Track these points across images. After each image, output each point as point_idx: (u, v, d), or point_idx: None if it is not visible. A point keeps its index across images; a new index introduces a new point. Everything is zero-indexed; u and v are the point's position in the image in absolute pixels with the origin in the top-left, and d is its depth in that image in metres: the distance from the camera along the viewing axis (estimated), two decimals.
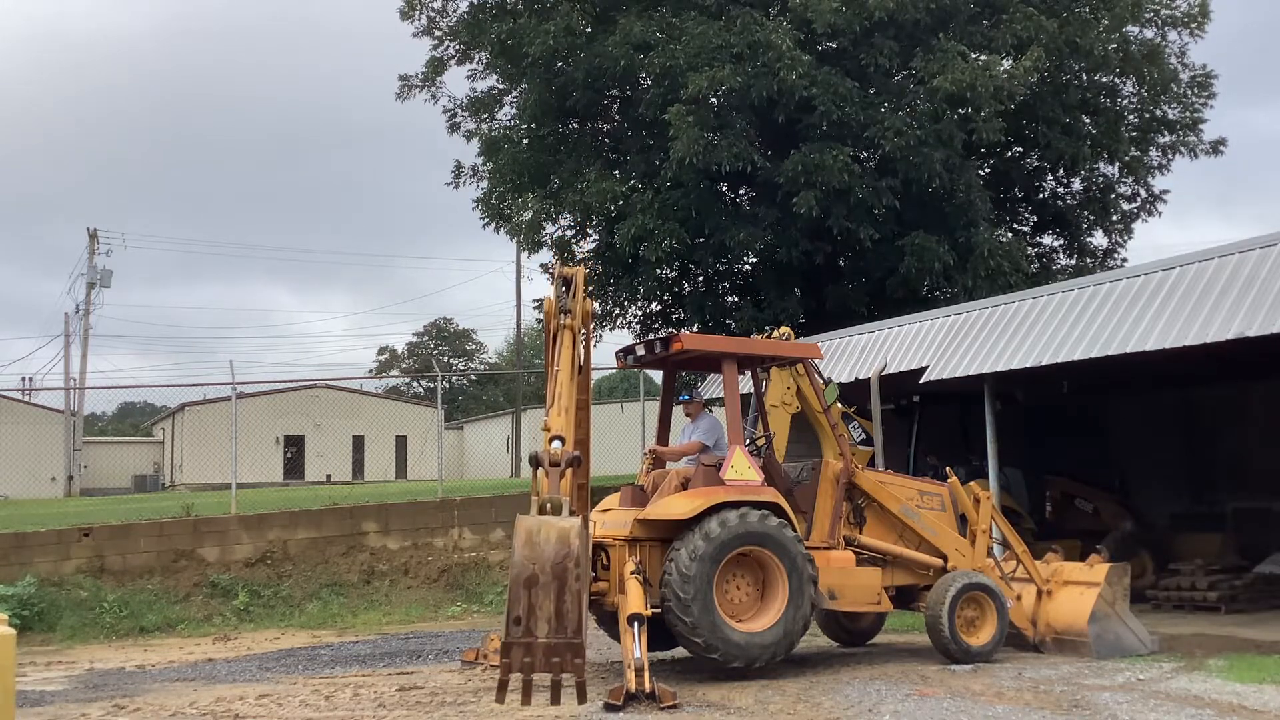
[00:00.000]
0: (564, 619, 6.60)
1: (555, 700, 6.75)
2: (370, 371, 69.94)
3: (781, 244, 21.12)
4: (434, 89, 24.96)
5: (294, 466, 46.39)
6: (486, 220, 25.05)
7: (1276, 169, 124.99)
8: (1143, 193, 25.28)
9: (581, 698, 6.76)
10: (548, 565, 6.73)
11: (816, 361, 11.98)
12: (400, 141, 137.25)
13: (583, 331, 9.29)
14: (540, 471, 7.71)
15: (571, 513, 7.37)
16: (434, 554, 17.53)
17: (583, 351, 9.30)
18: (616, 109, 24.45)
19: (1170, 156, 25.17)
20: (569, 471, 7.76)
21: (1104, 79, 23.79)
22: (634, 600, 9.29)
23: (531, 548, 6.80)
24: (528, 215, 24.43)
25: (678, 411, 11.61)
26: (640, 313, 24.75)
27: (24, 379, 51.63)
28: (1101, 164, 24.53)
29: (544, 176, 23.57)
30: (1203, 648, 11.55)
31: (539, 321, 26.60)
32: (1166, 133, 24.85)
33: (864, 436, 16.03)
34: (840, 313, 21.35)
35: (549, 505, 7.30)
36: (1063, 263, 25.55)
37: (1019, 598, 11.62)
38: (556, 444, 7.95)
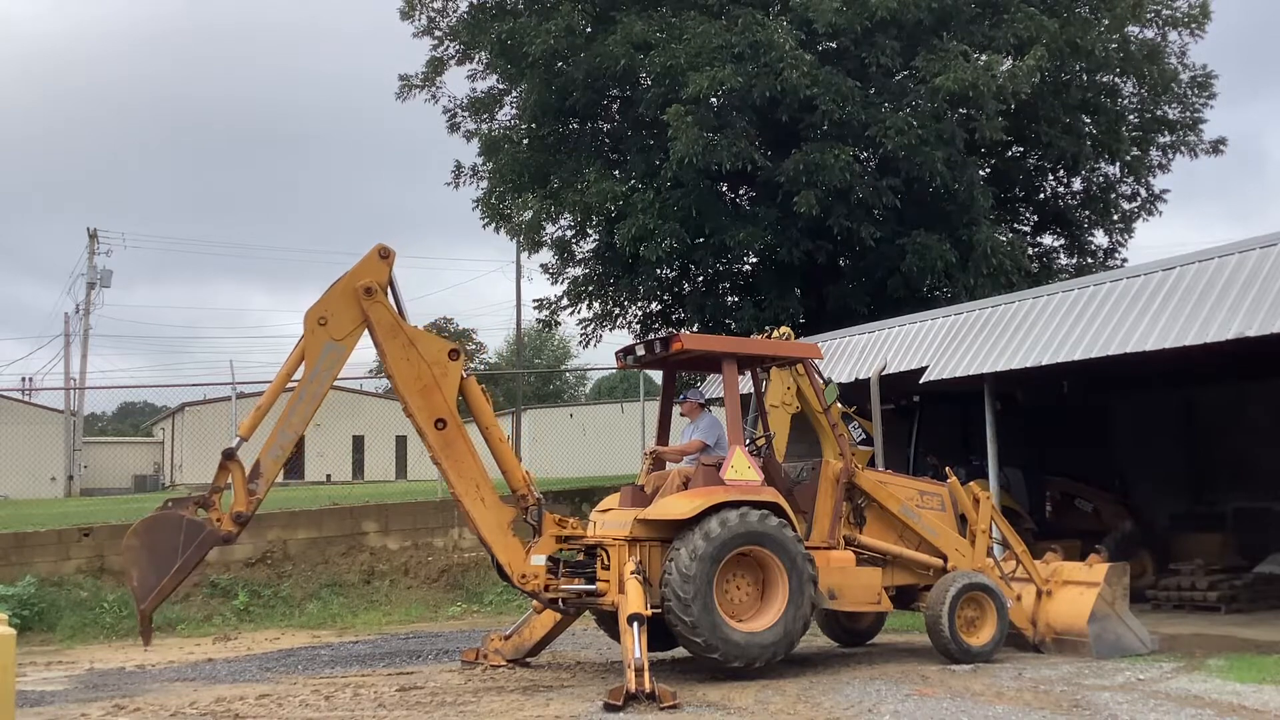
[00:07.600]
0: (135, 593, 8.93)
1: (145, 641, 9.19)
2: (370, 371, 69.72)
3: (782, 244, 21.11)
4: (434, 89, 25.00)
5: (294, 466, 46.29)
6: (486, 220, 25.06)
7: (1243, 168, 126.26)
8: (1143, 192, 25.35)
9: (146, 641, 9.16)
10: (124, 556, 9.07)
11: (816, 361, 11.97)
12: (399, 142, 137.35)
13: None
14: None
15: (200, 504, 9.18)
16: (434, 554, 17.53)
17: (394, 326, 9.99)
18: (616, 109, 24.44)
19: (1171, 156, 25.32)
20: (230, 463, 9.30)
21: (1105, 79, 23.84)
22: (634, 600, 9.29)
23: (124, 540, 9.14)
24: (528, 215, 24.44)
25: (678, 411, 11.61)
26: (640, 313, 24.76)
27: (24, 379, 51.61)
28: (1102, 163, 24.59)
29: (544, 176, 23.56)
30: (1203, 648, 11.55)
31: (539, 321, 26.58)
32: (1167, 132, 24.93)
33: (864, 436, 16.05)
34: (840, 313, 21.34)
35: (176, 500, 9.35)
36: (1063, 262, 25.59)
37: (1019, 598, 11.61)
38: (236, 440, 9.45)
